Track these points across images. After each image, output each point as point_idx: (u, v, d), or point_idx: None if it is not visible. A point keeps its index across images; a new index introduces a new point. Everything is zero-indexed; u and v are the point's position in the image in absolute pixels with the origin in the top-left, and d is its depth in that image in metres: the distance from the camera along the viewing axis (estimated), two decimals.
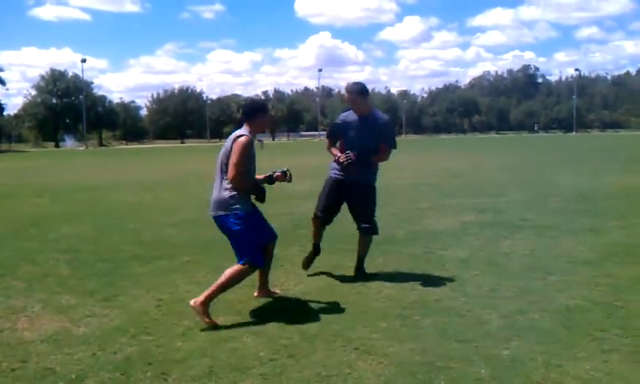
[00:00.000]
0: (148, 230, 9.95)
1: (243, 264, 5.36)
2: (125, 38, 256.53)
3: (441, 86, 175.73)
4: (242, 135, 5.34)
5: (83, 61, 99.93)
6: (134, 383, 3.99)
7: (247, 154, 5.30)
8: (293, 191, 15.45)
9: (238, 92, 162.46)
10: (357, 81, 6.43)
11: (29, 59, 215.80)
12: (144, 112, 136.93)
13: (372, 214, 6.48)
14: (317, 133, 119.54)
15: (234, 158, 5.24)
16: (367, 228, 6.47)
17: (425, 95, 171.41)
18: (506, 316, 5.12)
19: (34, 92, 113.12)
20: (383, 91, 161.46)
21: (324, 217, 6.59)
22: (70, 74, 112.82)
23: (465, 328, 4.86)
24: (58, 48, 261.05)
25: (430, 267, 6.87)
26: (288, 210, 11.95)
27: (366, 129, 6.25)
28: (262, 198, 5.54)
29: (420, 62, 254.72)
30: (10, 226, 10.78)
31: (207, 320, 5.06)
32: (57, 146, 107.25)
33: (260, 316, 5.30)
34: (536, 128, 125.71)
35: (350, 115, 6.42)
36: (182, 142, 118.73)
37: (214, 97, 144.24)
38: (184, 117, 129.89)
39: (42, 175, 27.25)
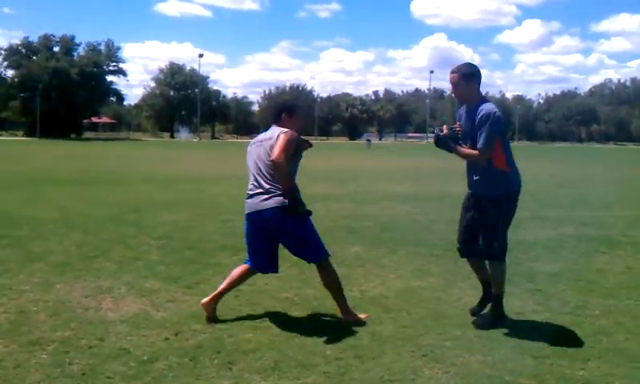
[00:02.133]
0: (240, 221, 10.13)
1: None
2: (243, 34, 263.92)
3: (558, 92, 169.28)
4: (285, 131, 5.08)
5: (200, 56, 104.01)
6: (200, 370, 4.08)
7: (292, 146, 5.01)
8: (391, 192, 15.39)
9: (349, 91, 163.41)
10: (470, 62, 5.24)
11: (151, 52, 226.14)
12: (256, 108, 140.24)
13: (495, 235, 5.06)
14: (424, 135, 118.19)
15: (279, 146, 4.95)
16: (487, 254, 5.17)
17: (541, 101, 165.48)
18: (588, 335, 4.84)
19: (153, 84, 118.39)
20: (497, 95, 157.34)
21: (462, 248, 5.41)
22: (188, 68, 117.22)
23: (542, 344, 4.64)
24: (179, 42, 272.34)
25: (516, 279, 6.61)
26: (377, 211, 11.87)
27: (469, 124, 5.06)
28: (293, 208, 4.95)
29: (538, 66, 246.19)
30: (113, 210, 11.33)
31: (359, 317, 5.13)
32: (172, 136, 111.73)
33: (335, 314, 5.28)
34: None
35: (466, 106, 5.21)
36: None
37: (325, 95, 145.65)
38: None
39: (154, 163, 28.47)
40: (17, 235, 8.42)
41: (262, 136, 5.27)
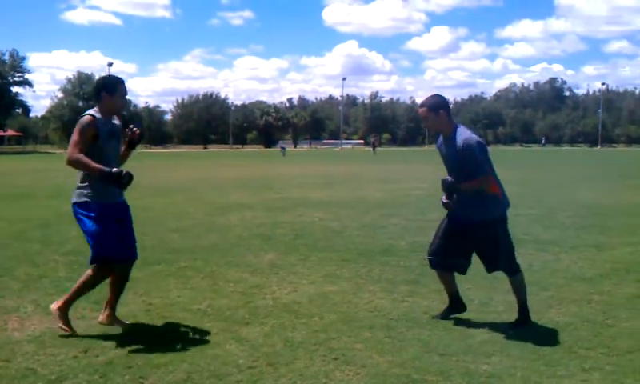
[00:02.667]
0: (152, 234, 10.03)
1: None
2: (154, 42, 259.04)
3: (466, 97, 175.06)
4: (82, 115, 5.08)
5: (110, 64, 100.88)
6: None
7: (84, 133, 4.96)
8: (304, 199, 15.52)
9: (264, 98, 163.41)
10: (436, 94, 5.37)
11: (59, 62, 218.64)
12: (169, 117, 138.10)
13: (501, 257, 5.25)
14: (339, 141, 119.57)
15: (70, 142, 5.01)
16: (506, 270, 5.35)
17: (451, 106, 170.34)
18: (491, 331, 5.09)
19: (60, 94, 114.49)
20: (408, 101, 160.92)
21: (434, 260, 5.53)
22: (97, 77, 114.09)
23: (448, 341, 4.85)
24: (88, 51, 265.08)
25: (424, 279, 6.83)
26: (291, 218, 11.97)
27: (450, 152, 5.18)
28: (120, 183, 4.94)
29: (447, 72, 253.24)
30: (18, 226, 10.92)
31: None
32: None
33: (248, 323, 5.31)
34: (543, 142, 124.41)
35: (442, 135, 5.34)
36: (205, 148, 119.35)
37: (240, 103, 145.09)
38: (208, 122, 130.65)
39: (62, 177, 27.56)
40: None
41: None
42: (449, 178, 5.23)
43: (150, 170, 30.16)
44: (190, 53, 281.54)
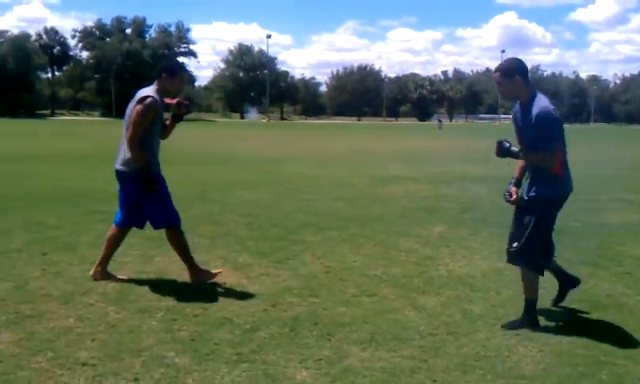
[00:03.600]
0: (319, 201, 10.37)
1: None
2: (309, 14, 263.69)
3: (636, 72, 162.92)
4: (146, 96, 5.21)
5: (268, 37, 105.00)
6: (301, 339, 4.28)
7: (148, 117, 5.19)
8: (467, 173, 15.33)
9: (417, 71, 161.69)
10: (513, 57, 4.87)
11: (219, 33, 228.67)
12: (324, 88, 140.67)
13: (521, 235, 4.73)
14: (496, 116, 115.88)
15: (132, 124, 5.19)
16: (507, 251, 4.89)
17: (617, 81, 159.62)
18: None
19: (222, 65, 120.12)
20: (571, 75, 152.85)
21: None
22: (256, 49, 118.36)
23: (636, 326, 4.65)
24: (247, 23, 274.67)
25: (604, 262, 6.57)
26: (455, 192, 11.85)
27: (525, 121, 4.70)
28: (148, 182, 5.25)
29: (614, 45, 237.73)
30: (197, 188, 11.70)
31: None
32: (242, 117, 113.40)
33: (424, 292, 5.39)
34: None
35: (519, 103, 4.86)
36: (359, 120, 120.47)
37: (393, 75, 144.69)
38: (362, 94, 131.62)
39: (228, 144, 29.06)
40: (111, 211, 8.82)
41: (137, 93, 5.35)
42: (506, 142, 4.76)
43: (307, 139, 31.04)
44: (343, 25, 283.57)
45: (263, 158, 20.05)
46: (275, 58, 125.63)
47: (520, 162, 4.86)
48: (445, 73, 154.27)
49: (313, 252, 6.65)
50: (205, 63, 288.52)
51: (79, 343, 4.10)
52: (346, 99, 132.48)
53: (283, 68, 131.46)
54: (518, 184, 4.87)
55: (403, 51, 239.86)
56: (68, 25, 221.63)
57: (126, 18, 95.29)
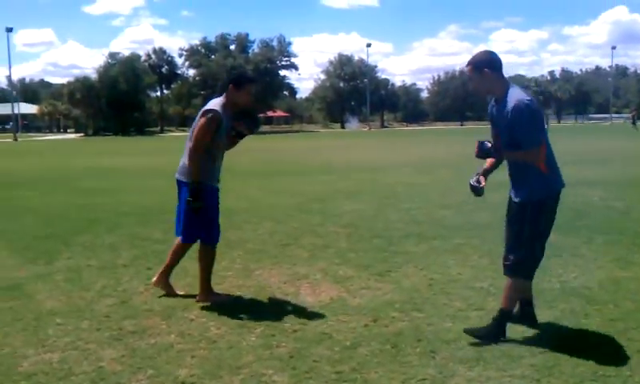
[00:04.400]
0: (422, 210, 10.11)
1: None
2: (409, 21, 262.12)
3: None
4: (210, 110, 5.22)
5: (368, 45, 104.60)
6: (403, 357, 4.10)
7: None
8: (577, 176, 14.57)
9: (522, 72, 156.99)
10: (485, 50, 4.54)
11: (319, 45, 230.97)
12: (425, 94, 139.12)
13: (516, 245, 4.37)
14: (608, 116, 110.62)
15: (196, 133, 5.19)
16: (504, 265, 4.49)
17: None
18: None
19: (323, 76, 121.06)
20: None
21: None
22: (357, 58, 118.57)
23: None
24: (347, 33, 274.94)
25: None
26: (566, 196, 11.18)
27: (501, 117, 4.37)
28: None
29: None
30: (298, 200, 11.72)
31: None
32: (342, 126, 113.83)
33: (535, 305, 5.05)
34: None
35: (494, 98, 4.52)
36: (462, 125, 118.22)
37: None
38: (464, 98, 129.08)
39: (329, 154, 29.17)
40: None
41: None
42: (487, 143, 4.38)
43: (408, 146, 30.64)
44: (445, 29, 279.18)
45: (364, 167, 19.90)
46: (375, 66, 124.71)
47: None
48: (552, 73, 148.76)
49: (415, 264, 6.43)
50: (306, 75, 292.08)
51: (179, 360, 4.09)
52: (447, 104, 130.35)
53: (383, 76, 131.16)
54: (485, 173, 4.56)
55: (507, 53, 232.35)
56: (175, 44, 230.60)
57: (229, 35, 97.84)
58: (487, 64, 4.35)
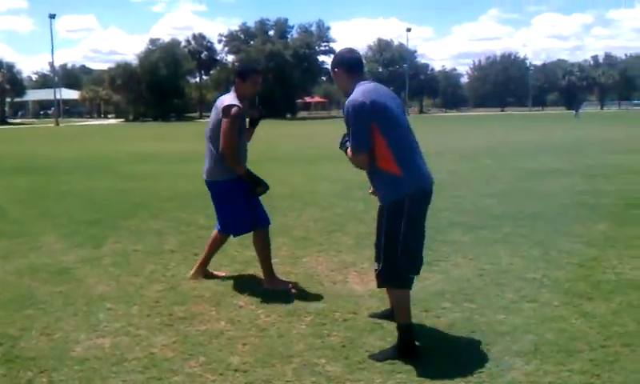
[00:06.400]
0: (467, 198, 9.95)
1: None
2: (450, 4, 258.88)
3: None
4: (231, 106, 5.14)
5: (408, 30, 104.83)
6: (456, 348, 4.02)
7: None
8: (624, 165, 14.21)
9: (565, 57, 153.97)
10: (343, 48, 4.45)
11: (358, 30, 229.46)
12: (465, 80, 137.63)
13: (379, 254, 4.21)
14: None
15: (223, 134, 5.14)
16: (376, 272, 4.24)
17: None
18: None
19: None
20: None
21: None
22: (396, 43, 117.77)
23: None
24: (385, 18, 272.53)
25: None
26: (616, 186, 10.93)
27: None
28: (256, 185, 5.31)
29: None
30: (339, 186, 11.67)
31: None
32: None
33: (591, 298, 4.93)
34: None
35: None
36: (502, 110, 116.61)
37: (539, 63, 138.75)
38: (505, 84, 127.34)
39: None
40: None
41: (218, 101, 5.33)
42: (347, 137, 4.17)
43: (448, 133, 30.29)
44: (486, 13, 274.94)
45: None
46: (415, 51, 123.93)
47: None
48: (595, 58, 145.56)
49: (464, 253, 6.31)
50: None
51: (230, 347, 4.07)
52: (488, 90, 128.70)
53: (423, 61, 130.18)
54: None
55: (550, 37, 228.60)
56: (214, 30, 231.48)
57: (268, 21, 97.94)
58: (337, 63, 4.26)
